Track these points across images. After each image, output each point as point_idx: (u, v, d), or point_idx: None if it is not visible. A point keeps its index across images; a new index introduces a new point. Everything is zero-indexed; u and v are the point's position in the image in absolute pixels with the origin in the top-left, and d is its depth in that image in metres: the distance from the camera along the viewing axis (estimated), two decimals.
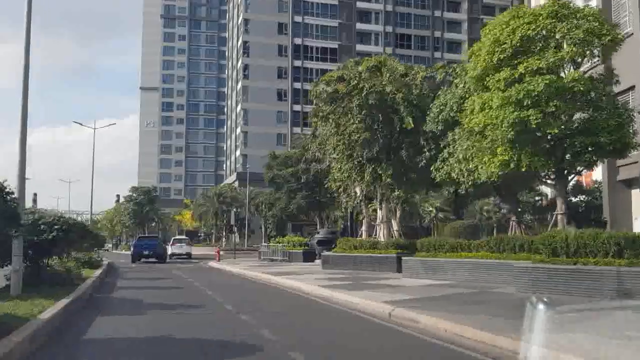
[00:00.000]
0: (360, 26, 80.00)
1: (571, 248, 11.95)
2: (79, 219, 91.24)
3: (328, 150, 23.00)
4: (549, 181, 16.23)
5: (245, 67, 77.79)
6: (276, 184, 43.19)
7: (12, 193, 7.63)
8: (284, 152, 47.28)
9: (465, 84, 18.48)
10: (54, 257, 13.64)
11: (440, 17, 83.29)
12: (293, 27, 78.02)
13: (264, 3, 77.81)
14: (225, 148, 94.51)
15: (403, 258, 18.02)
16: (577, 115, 14.72)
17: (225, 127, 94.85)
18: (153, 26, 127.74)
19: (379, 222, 25.22)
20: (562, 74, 14.38)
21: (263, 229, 55.33)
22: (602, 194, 21.85)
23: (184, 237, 54.46)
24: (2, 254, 9.40)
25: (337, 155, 22.59)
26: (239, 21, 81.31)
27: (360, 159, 21.98)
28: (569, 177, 16.01)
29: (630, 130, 14.21)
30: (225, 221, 61.46)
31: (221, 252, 40.78)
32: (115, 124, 42.79)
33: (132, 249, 39.53)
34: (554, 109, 13.59)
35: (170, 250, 41.47)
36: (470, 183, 18.98)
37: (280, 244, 31.84)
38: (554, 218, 15.41)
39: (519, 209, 19.94)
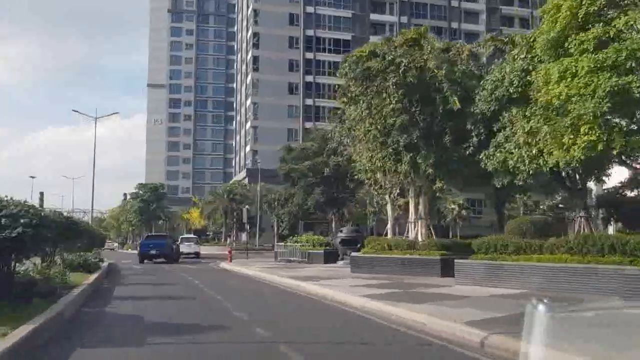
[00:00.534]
0: (374, 17, 76.93)
1: None
2: (85, 217, 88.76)
3: (358, 135, 20.06)
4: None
5: (255, 60, 74.95)
6: (292, 178, 40.26)
7: None
8: (300, 144, 44.32)
9: (527, 53, 15.62)
10: (32, 260, 10.85)
11: (457, 7, 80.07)
12: (305, 18, 75.10)
13: None
14: (234, 144, 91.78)
15: (457, 261, 15.12)
16: None
17: (234, 122, 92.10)
18: (160, 21, 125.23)
19: (412, 219, 22.31)
20: None
21: (275, 228, 52.46)
22: None
23: (192, 235, 51.90)
24: None
25: (369, 142, 19.69)
26: (249, 12, 78.52)
27: (396, 145, 19.07)
28: None
29: None
30: (235, 219, 58.67)
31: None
32: (118, 113, 40.12)
33: (138, 248, 36.78)
34: None
35: None
36: (531, 172, 16.18)
37: (299, 244, 29.01)
38: None
39: (588, 203, 16.99)
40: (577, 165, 13.12)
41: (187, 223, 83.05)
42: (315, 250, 28.30)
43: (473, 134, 18.38)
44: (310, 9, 75.06)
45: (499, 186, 17.32)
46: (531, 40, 15.64)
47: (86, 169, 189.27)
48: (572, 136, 12.48)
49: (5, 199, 7.92)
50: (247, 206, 39.01)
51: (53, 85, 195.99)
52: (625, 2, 12.14)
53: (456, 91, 18.32)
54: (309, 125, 71.83)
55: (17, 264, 8.96)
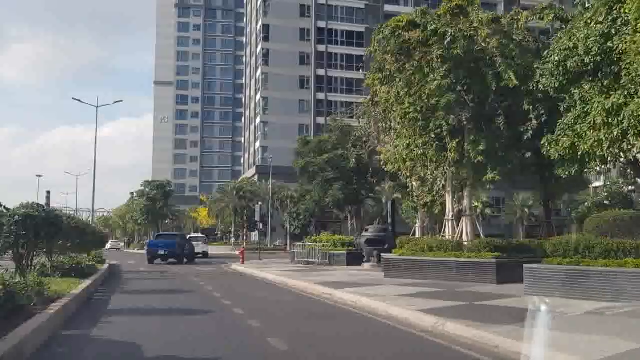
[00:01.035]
0: (388, 8, 73.92)
1: None
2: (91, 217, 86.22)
3: (395, 119, 17.36)
4: None
5: (266, 53, 72.32)
6: (308, 173, 37.53)
7: None
8: (317, 137, 41.56)
9: (606, 15, 12.94)
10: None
11: None
12: (316, 9, 72.41)
13: None
14: (243, 141, 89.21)
15: (527, 266, 12.39)
16: None
17: (243, 118, 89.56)
18: (167, 17, 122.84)
19: (449, 216, 19.66)
20: None
21: (288, 226, 49.82)
22: None
23: (200, 235, 49.48)
24: None
25: (407, 127, 17.00)
26: (258, 4, 75.91)
27: (439, 130, 16.37)
28: None
29: None
30: (245, 218, 56.11)
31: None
32: (121, 101, 37.57)
33: (146, 247, 34.95)
34: None
35: None
36: (609, 159, 13.58)
37: (319, 244, 26.38)
38: None
39: None
40: None
41: (195, 222, 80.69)
42: (337, 251, 25.67)
43: (532, 115, 15.75)
44: (322, 0, 72.43)
45: (564, 176, 14.62)
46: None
47: (98, 166, 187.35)
48: None
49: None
50: (260, 202, 36.24)
51: (65, 85, 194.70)
52: None
53: (511, 65, 15.64)
54: (320, 120, 69.20)
55: None
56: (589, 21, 13.47)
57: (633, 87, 11.97)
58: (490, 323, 8.03)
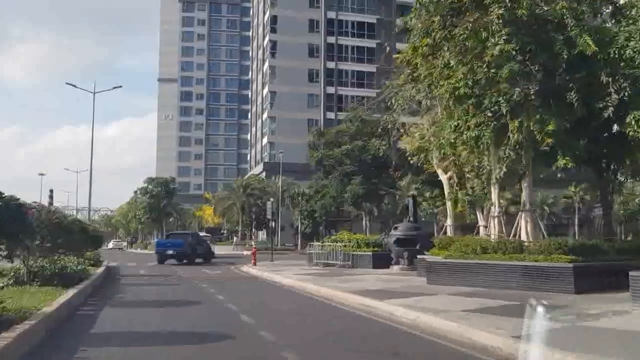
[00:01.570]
0: None
1: None
2: (95, 216, 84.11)
3: (440, 93, 14.56)
4: None
5: (273, 45, 69.60)
6: (324, 167, 34.68)
7: None
8: (335, 127, 38.65)
9: None
10: None
11: None
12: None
13: None
14: (249, 137, 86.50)
15: (633, 274, 9.64)
16: None
17: (249, 114, 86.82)
18: (171, 12, 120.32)
19: (495, 213, 16.93)
20: None
21: (299, 225, 47.05)
22: None
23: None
24: None
25: (456, 104, 14.24)
26: None
27: (495, 108, 13.60)
28: None
29: None
30: (254, 216, 53.38)
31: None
32: (121, 86, 35.12)
33: (155, 248, 33.79)
34: None
35: None
36: None
37: (340, 244, 23.64)
38: None
39: None
40: None
41: (200, 221, 78.12)
42: (361, 251, 22.94)
43: (611, 89, 12.97)
44: None
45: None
46: None
47: (101, 167, 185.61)
48: None
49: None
50: (271, 199, 33.50)
51: (69, 86, 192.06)
52: None
53: (585, 29, 12.89)
54: (330, 115, 66.47)
55: None
56: None
57: None
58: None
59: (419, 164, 27.24)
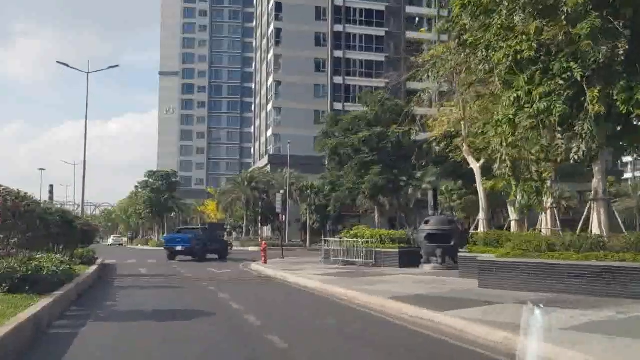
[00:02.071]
0: None
1: None
2: (96, 211, 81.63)
3: (497, 59, 12.05)
4: None
5: (278, 33, 66.99)
6: (339, 156, 32.09)
7: None
8: (353, 112, 35.91)
9: None
10: None
11: None
12: None
13: None
14: (253, 129, 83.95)
15: None
16: None
17: (253, 105, 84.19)
18: (172, 4, 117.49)
19: (547, 204, 14.45)
20: None
21: (307, 220, 44.56)
22: None
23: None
24: None
25: (516, 71, 11.76)
26: None
27: (566, 75, 11.11)
28: None
29: None
30: (260, 210, 50.90)
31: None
32: (118, 66, 32.96)
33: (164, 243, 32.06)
34: None
35: None
36: None
37: (361, 240, 21.19)
38: None
39: None
40: None
41: (202, 216, 75.80)
42: (386, 248, 20.51)
43: None
44: None
45: None
46: None
47: (104, 162, 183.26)
48: None
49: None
50: (282, 190, 30.99)
51: (71, 80, 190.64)
52: None
53: None
54: (338, 106, 63.88)
55: None
56: None
57: None
58: None
59: (445, 152, 24.79)
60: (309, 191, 41.24)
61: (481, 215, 22.99)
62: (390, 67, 57.88)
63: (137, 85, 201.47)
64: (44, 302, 8.05)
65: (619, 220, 13.96)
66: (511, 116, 12.24)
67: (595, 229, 12.29)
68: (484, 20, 12.48)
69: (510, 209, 25.73)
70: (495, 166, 16.88)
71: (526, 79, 11.79)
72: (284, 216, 30.09)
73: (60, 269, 10.68)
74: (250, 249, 42.83)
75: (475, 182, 24.71)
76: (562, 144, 11.54)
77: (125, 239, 74.26)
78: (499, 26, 11.97)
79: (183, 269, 21.05)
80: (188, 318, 8.72)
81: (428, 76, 16.11)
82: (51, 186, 66.77)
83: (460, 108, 22.14)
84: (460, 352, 6.62)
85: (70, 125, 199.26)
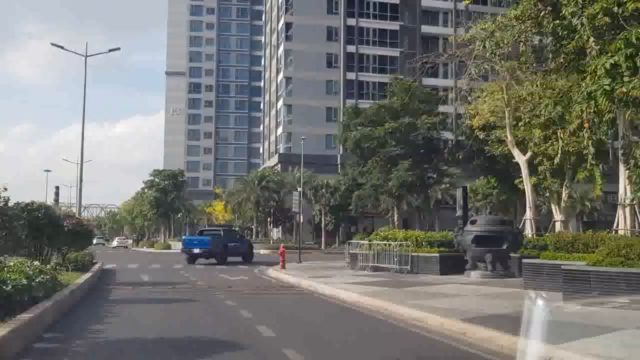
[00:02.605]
0: None
1: None
2: (102, 213, 79.38)
3: (591, 14, 9.49)
4: None
5: (288, 27, 64.49)
6: (361, 150, 29.42)
7: None
8: (378, 102, 33.11)
9: None
10: None
11: None
12: None
13: None
14: (262, 128, 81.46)
15: None
16: None
17: (262, 103, 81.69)
18: (179, 2, 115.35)
19: (623, 200, 11.95)
20: None
21: (323, 221, 41.97)
22: None
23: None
24: None
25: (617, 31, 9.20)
26: None
27: None
28: None
29: None
30: (272, 211, 48.38)
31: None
32: (119, 48, 30.20)
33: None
34: None
35: None
36: None
37: (394, 242, 18.58)
38: None
39: None
40: None
41: (210, 217, 73.43)
42: (425, 253, 17.92)
43: None
44: None
45: None
46: None
47: (111, 164, 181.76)
48: None
49: None
50: (298, 188, 28.46)
51: (78, 81, 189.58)
52: None
53: None
54: (350, 103, 61.32)
55: None
56: None
57: None
58: None
59: (482, 145, 22.22)
60: (323, 190, 38.64)
61: (528, 215, 20.44)
62: (405, 63, 55.32)
63: (144, 87, 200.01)
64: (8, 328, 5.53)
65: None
66: (607, 87, 9.63)
67: None
68: None
69: (554, 208, 23.08)
70: (556, 157, 14.28)
71: (624, 41, 9.20)
72: (301, 217, 27.48)
73: (37, 280, 8.19)
74: (262, 251, 40.36)
75: (511, 179, 22.06)
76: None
77: (130, 241, 71.93)
78: None
79: (192, 275, 18.55)
80: (205, 355, 6.16)
81: (484, 47, 13.51)
82: (57, 187, 64.66)
83: (506, 93, 19.62)
84: None
85: (78, 127, 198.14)
